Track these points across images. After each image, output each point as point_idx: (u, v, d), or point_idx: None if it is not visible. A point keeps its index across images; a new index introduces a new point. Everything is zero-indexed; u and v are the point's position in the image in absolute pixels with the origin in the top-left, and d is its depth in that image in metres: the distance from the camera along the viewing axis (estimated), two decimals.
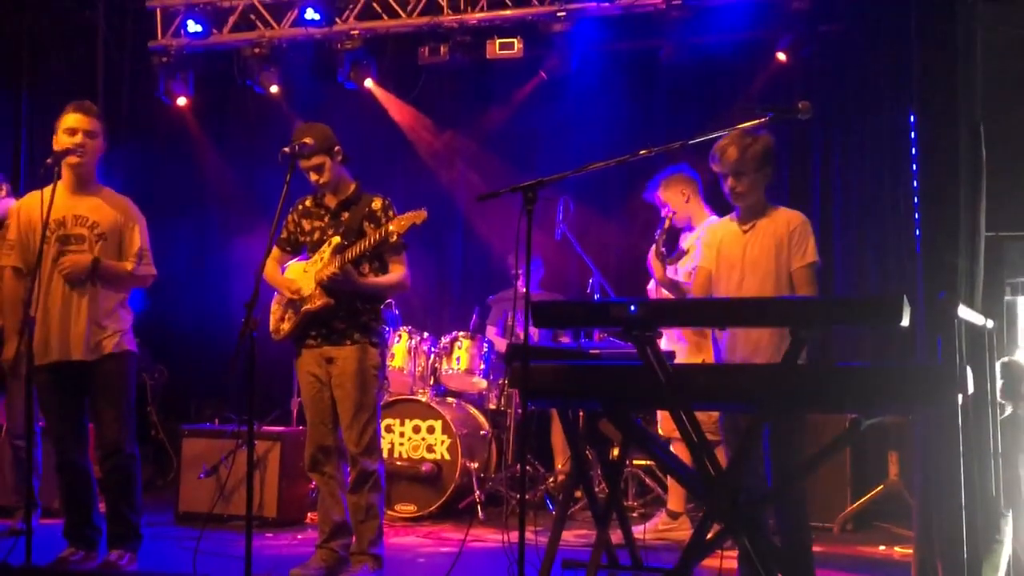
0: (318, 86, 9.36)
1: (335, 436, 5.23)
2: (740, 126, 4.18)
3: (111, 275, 5.25)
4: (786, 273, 4.58)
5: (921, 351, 4.24)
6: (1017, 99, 6.70)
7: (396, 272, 5.25)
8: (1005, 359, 6.21)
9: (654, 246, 5.48)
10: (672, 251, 5.71)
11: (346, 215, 5.26)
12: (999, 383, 5.90)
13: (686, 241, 6.26)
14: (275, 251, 5.40)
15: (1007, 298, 7.13)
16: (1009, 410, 5.95)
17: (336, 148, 5.24)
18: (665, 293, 5.90)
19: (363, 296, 5.20)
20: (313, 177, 5.24)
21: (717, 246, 4.77)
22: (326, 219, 5.30)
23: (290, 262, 5.41)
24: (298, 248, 5.42)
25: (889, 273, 8.08)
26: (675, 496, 6.53)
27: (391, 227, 5.04)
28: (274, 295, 5.44)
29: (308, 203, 5.40)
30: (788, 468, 4.32)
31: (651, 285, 6.54)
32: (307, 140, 5.09)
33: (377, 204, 5.26)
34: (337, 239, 5.17)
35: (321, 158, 5.18)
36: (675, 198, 6.33)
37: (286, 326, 5.29)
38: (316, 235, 5.31)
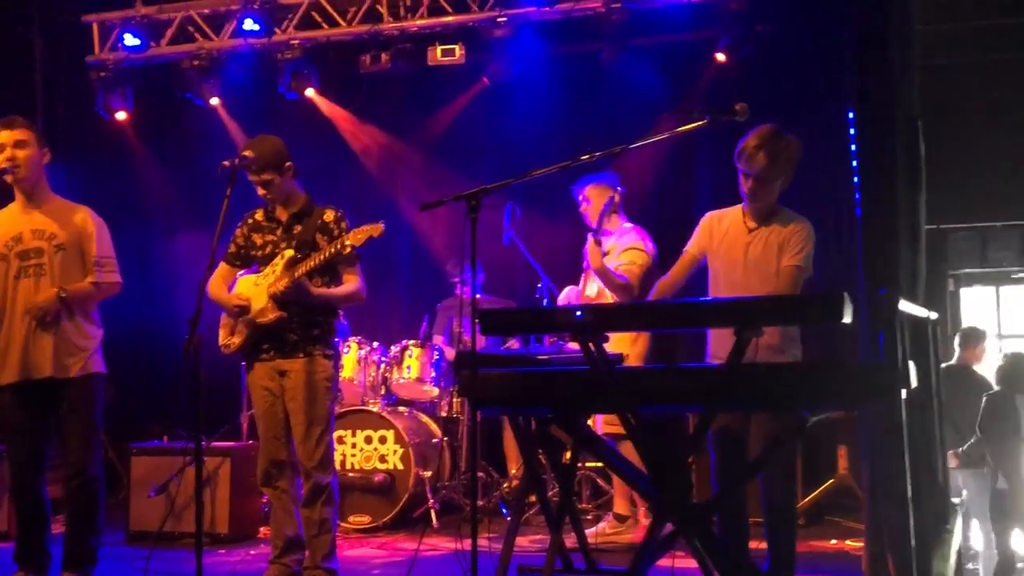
0: (259, 97, 9.30)
1: (288, 450, 5.17)
2: (681, 128, 4.19)
3: (78, 299, 5.16)
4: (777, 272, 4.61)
5: (865, 347, 4.28)
6: (957, 93, 6.80)
7: (350, 284, 5.21)
8: (1010, 353, 6.33)
9: (591, 234, 5.52)
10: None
11: (298, 228, 5.21)
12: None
13: (604, 245, 6.30)
14: (223, 267, 5.34)
15: (950, 289, 7.23)
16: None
17: (287, 164, 5.16)
18: (588, 293, 5.94)
19: (316, 309, 5.16)
20: (261, 192, 5.18)
21: (719, 238, 4.74)
22: (278, 232, 5.24)
23: (241, 275, 5.35)
24: (248, 262, 5.34)
25: (835, 270, 8.16)
26: (621, 499, 6.53)
27: (347, 240, 4.99)
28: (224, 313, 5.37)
29: (259, 216, 5.33)
30: (738, 468, 4.35)
31: (563, 293, 6.64)
32: (247, 153, 5.04)
33: (329, 216, 5.21)
34: (290, 252, 5.11)
35: (270, 175, 5.12)
36: (599, 199, 6.39)
37: (237, 339, 5.22)
38: (268, 248, 5.24)
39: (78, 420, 5.13)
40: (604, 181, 6.49)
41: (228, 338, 5.28)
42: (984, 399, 6.11)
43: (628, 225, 6.49)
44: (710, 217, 4.88)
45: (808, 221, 4.74)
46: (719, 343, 4.65)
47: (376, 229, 5.02)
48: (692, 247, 4.82)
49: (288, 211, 5.25)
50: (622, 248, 6.20)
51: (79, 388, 5.13)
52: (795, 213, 4.77)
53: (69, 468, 5.13)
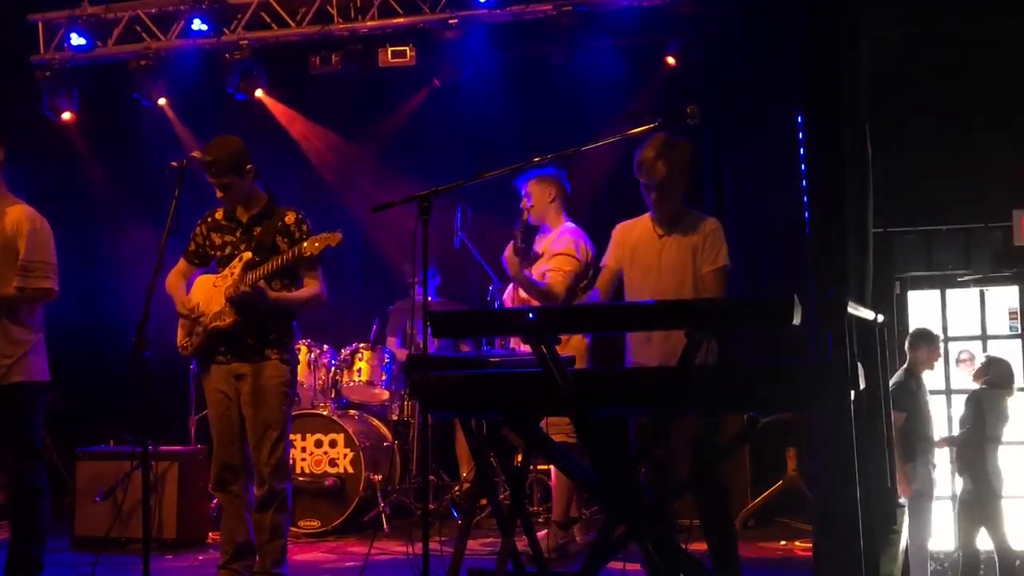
0: (207, 97, 9.22)
1: (243, 454, 5.10)
2: (632, 131, 4.20)
3: None
4: (700, 276, 4.64)
5: (814, 349, 4.31)
6: (903, 97, 6.87)
7: (310, 287, 5.15)
8: (988, 355, 6.39)
9: (511, 242, 5.52)
10: (528, 252, 5.76)
11: (258, 230, 5.15)
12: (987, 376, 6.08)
13: (540, 245, 6.30)
14: (182, 263, 5.29)
15: (897, 292, 7.30)
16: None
17: (247, 167, 5.10)
18: (522, 294, 5.94)
19: (274, 312, 5.10)
20: (220, 195, 5.12)
21: (632, 247, 4.78)
22: (237, 234, 5.18)
23: (199, 275, 5.28)
24: (206, 261, 5.28)
25: (785, 273, 8.22)
26: (560, 506, 6.47)
27: (305, 246, 4.95)
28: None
29: (219, 216, 5.26)
30: (697, 470, 4.37)
31: (507, 291, 6.61)
32: (206, 157, 4.98)
33: (291, 218, 5.15)
34: (248, 255, 5.06)
35: (229, 178, 5.05)
36: (541, 195, 6.36)
37: (194, 340, 5.15)
38: (227, 249, 5.18)
39: (8, 431, 5.01)
40: (548, 176, 6.41)
41: (186, 339, 5.21)
42: (968, 398, 6.17)
43: (569, 225, 6.40)
44: (621, 228, 4.93)
45: (715, 219, 4.82)
46: (640, 349, 4.68)
47: (334, 238, 4.97)
48: (610, 260, 4.86)
49: (249, 212, 5.19)
50: (553, 252, 6.11)
51: (7, 397, 5.00)
52: (701, 213, 4.85)
53: (7, 477, 5.04)
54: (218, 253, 5.22)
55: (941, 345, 6.62)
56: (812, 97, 4.65)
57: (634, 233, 4.83)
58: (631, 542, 3.68)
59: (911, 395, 6.25)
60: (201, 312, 5.09)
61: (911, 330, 6.63)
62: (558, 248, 6.10)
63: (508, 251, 5.50)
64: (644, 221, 4.85)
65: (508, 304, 6.56)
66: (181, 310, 5.14)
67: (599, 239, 6.37)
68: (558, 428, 5.89)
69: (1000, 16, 6.81)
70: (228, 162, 5.05)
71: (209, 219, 5.29)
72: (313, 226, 5.16)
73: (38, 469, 5.09)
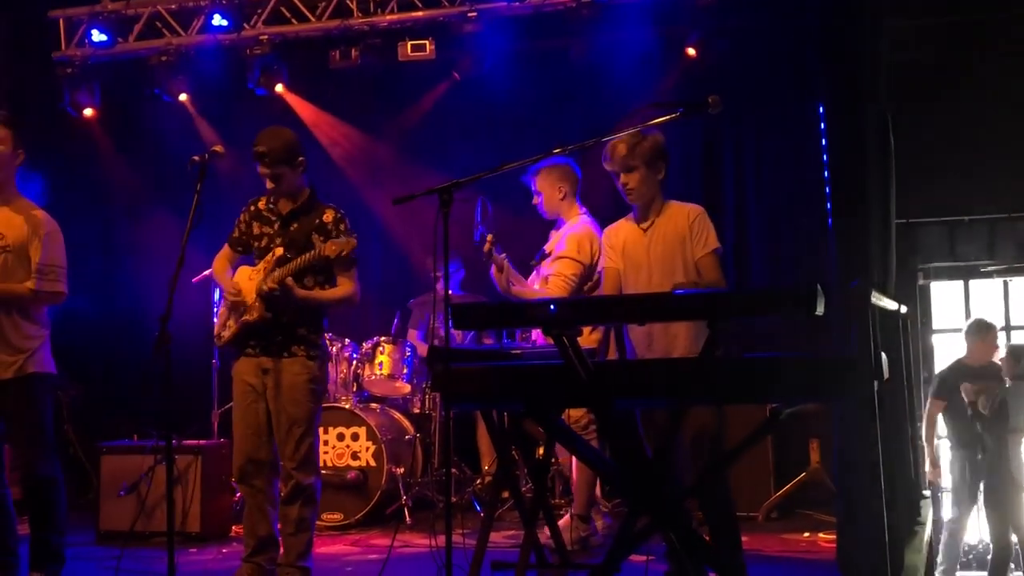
0: (228, 93, 9.24)
1: (268, 448, 5.10)
2: (653, 121, 4.19)
3: (8, 300, 5.07)
4: (692, 264, 4.67)
5: (837, 339, 4.29)
6: (926, 88, 6.83)
7: (344, 287, 5.15)
8: (1011, 346, 6.37)
9: (493, 266, 5.52)
10: (500, 264, 5.75)
11: (295, 225, 5.15)
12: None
13: (550, 242, 6.24)
14: (226, 249, 5.32)
15: (920, 283, 7.27)
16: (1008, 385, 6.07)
17: (299, 159, 5.11)
18: (520, 289, 5.93)
19: (304, 309, 5.09)
20: (269, 185, 5.12)
21: (621, 247, 4.81)
22: (276, 226, 5.18)
23: (241, 266, 5.29)
24: (248, 249, 5.29)
25: (804, 262, 8.20)
26: (582, 499, 6.46)
27: (327, 248, 4.93)
28: (221, 301, 5.34)
29: (261, 205, 5.26)
30: (712, 461, 4.36)
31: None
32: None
33: (329, 216, 5.14)
34: (280, 250, 5.05)
35: (282, 168, 5.06)
36: (550, 189, 6.24)
37: (227, 333, 5.18)
38: (264, 241, 5.18)
39: (20, 422, 5.06)
40: (555, 167, 6.24)
41: (221, 330, 5.25)
42: (998, 393, 6.14)
43: (581, 219, 6.23)
44: (607, 233, 4.97)
45: (698, 205, 4.83)
46: (652, 338, 4.68)
47: (348, 244, 4.96)
48: (609, 262, 4.89)
49: (290, 205, 5.19)
50: (556, 255, 6.04)
51: (17, 389, 5.04)
52: (681, 202, 4.84)
53: (20, 470, 5.08)
54: (257, 243, 5.23)
55: (998, 336, 6.58)
56: (834, 88, 4.63)
57: (620, 233, 4.88)
58: (654, 533, 3.68)
59: (952, 386, 6.23)
60: (244, 300, 5.10)
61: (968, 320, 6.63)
62: (560, 251, 6.03)
63: (492, 272, 5.50)
64: (626, 221, 4.90)
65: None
66: (229, 295, 5.14)
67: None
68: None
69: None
70: (281, 153, 5.06)
71: (252, 207, 5.30)
72: (348, 226, 5.16)
73: (52, 459, 5.14)
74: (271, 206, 5.23)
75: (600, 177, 5.18)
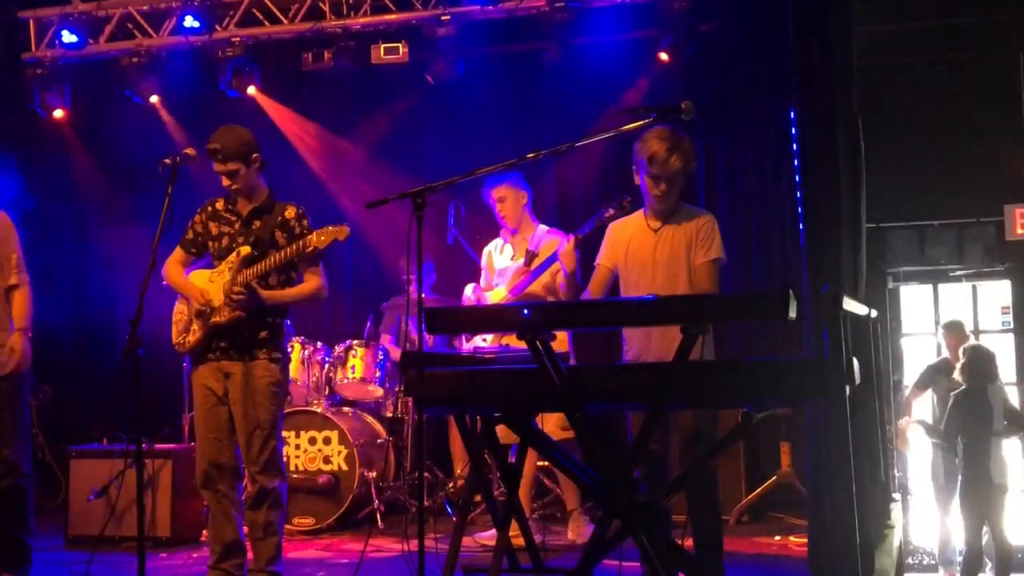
0: (199, 95, 9.18)
1: (231, 453, 5.06)
2: (626, 127, 4.19)
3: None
4: (694, 269, 4.65)
5: (808, 344, 4.31)
6: (894, 92, 6.87)
7: (311, 282, 5.13)
8: (969, 344, 6.38)
9: (479, 292, 5.57)
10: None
11: (258, 223, 5.12)
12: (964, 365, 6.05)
13: (518, 248, 6.47)
14: (179, 252, 5.24)
15: (889, 286, 7.31)
16: (964, 387, 6.08)
17: (254, 155, 5.08)
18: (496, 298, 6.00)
19: (267, 311, 5.06)
20: (225, 182, 5.08)
21: (625, 245, 4.77)
22: (236, 226, 5.14)
23: (195, 270, 5.24)
24: (203, 251, 5.23)
25: (774, 267, 8.25)
26: (573, 496, 6.57)
27: (312, 239, 4.92)
28: (174, 305, 5.23)
29: (219, 206, 5.22)
30: (694, 462, 4.38)
31: (469, 290, 6.64)
32: (188, 152, 4.95)
33: (291, 213, 5.13)
34: (247, 249, 5.02)
35: (236, 164, 5.03)
36: (516, 199, 6.53)
37: (192, 338, 5.09)
38: (225, 241, 5.14)
39: (5, 416, 5.05)
40: (518, 181, 6.54)
41: (182, 335, 5.15)
42: (951, 399, 6.15)
43: (543, 228, 6.51)
44: (612, 228, 4.94)
45: (709, 212, 4.81)
46: (642, 346, 4.68)
47: (341, 232, 4.94)
48: (604, 259, 4.86)
49: (250, 205, 5.15)
50: (549, 265, 6.14)
51: (7, 386, 5.07)
52: (694, 207, 4.84)
53: (2, 465, 5.06)
54: (215, 244, 5.18)
55: (967, 337, 6.60)
56: (805, 91, 4.66)
57: (628, 230, 4.83)
58: (626, 538, 3.68)
59: (935, 380, 6.25)
60: (212, 306, 5.05)
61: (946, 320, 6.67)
62: (552, 261, 6.07)
63: (487, 294, 5.52)
64: (636, 218, 4.86)
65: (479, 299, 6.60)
66: (197, 302, 5.08)
67: (593, 236, 6.38)
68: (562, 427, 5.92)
69: (994, 11, 6.82)
70: (234, 149, 5.03)
71: (209, 208, 5.25)
72: (310, 222, 5.14)
73: (29, 457, 5.13)
74: (230, 207, 5.19)
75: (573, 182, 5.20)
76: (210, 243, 5.20)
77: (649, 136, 4.60)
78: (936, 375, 6.35)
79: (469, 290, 6.70)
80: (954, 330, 6.52)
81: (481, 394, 3.70)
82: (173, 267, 5.20)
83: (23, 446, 5.08)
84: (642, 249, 4.73)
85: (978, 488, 5.73)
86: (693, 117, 4.04)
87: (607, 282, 4.83)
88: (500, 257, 6.71)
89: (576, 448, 4.74)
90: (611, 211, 5.24)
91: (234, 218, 5.17)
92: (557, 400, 3.57)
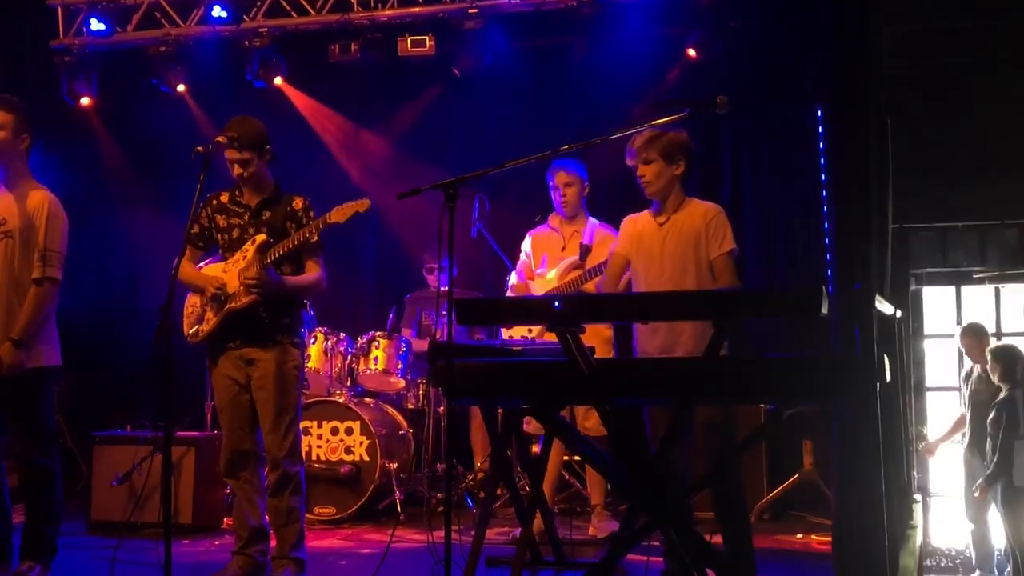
0: (226, 84, 9.21)
1: (253, 440, 5.13)
2: (659, 120, 4.19)
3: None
4: (706, 263, 4.68)
5: (835, 342, 4.30)
6: (920, 93, 6.85)
7: (312, 273, 5.17)
8: (995, 345, 6.36)
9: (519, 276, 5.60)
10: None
11: (268, 214, 5.16)
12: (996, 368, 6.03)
13: (572, 240, 6.46)
14: (188, 250, 5.25)
15: (912, 288, 7.29)
16: (1004, 393, 6.06)
17: (266, 147, 5.13)
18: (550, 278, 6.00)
19: (284, 297, 5.12)
20: (237, 171, 5.11)
21: (637, 237, 4.83)
22: (246, 217, 5.18)
23: (207, 263, 5.28)
24: (211, 244, 5.28)
25: (798, 264, 8.22)
26: (599, 491, 6.57)
27: (333, 214, 4.96)
28: (186, 298, 5.28)
29: (223, 199, 5.25)
30: (721, 454, 4.38)
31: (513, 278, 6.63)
32: (230, 134, 5.01)
33: (298, 204, 5.17)
34: (263, 236, 5.06)
35: (250, 153, 5.07)
36: (580, 185, 6.48)
37: (206, 327, 5.14)
38: (235, 232, 5.18)
39: (20, 410, 5.01)
40: (582, 170, 6.50)
41: (195, 326, 5.20)
42: (993, 409, 6.11)
43: (594, 221, 6.50)
44: (627, 220, 4.99)
45: (716, 204, 4.84)
46: (647, 339, 4.70)
47: (362, 204, 4.99)
48: (619, 247, 4.95)
49: (258, 196, 5.20)
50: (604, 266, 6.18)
51: (18, 381, 4.96)
52: (702, 200, 4.86)
53: (16, 458, 5.06)
54: (224, 236, 5.22)
55: (989, 340, 6.58)
56: (834, 90, 4.64)
57: (638, 224, 4.91)
58: (653, 532, 3.69)
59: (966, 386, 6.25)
60: (227, 292, 5.08)
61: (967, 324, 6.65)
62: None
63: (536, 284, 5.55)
64: (646, 213, 4.92)
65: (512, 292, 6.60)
66: (210, 288, 5.10)
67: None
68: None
69: (1020, 13, 6.79)
70: (250, 138, 5.07)
71: (214, 202, 5.28)
72: (315, 214, 5.17)
73: (52, 450, 5.11)
74: (236, 199, 5.23)
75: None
76: (219, 236, 5.24)
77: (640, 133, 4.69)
78: (966, 382, 6.33)
79: (513, 277, 6.68)
80: (972, 334, 6.50)
81: (510, 386, 3.70)
82: (185, 265, 5.18)
83: (35, 439, 5.01)
84: (650, 243, 4.79)
85: (1014, 491, 5.74)
86: (727, 112, 4.04)
87: (623, 268, 4.91)
88: (547, 243, 6.63)
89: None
90: None
91: (242, 209, 5.21)
92: (586, 393, 3.57)
